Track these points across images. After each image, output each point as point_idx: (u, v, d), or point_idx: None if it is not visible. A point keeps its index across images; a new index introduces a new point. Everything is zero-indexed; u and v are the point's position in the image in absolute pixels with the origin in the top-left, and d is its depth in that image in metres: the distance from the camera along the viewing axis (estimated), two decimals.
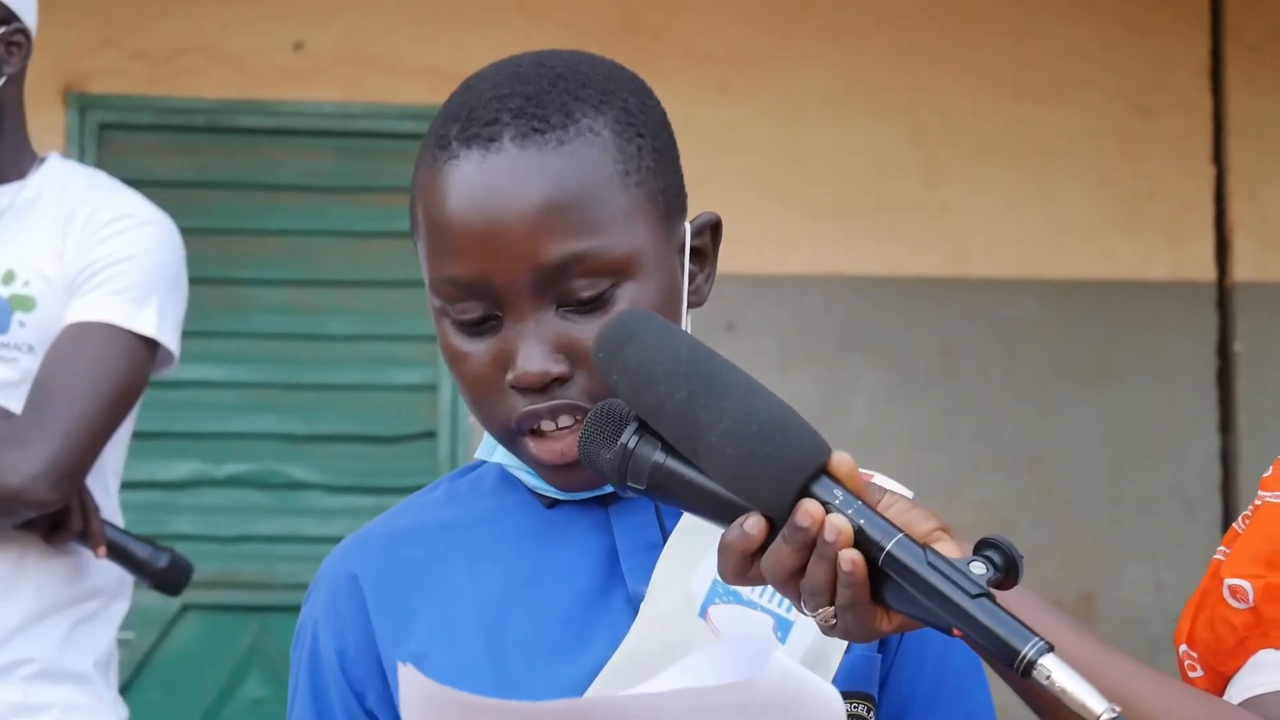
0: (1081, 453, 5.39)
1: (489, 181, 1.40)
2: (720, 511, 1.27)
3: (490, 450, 1.54)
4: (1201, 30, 5.51)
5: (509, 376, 1.41)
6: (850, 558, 1.21)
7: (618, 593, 1.45)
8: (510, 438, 1.45)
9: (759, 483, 1.23)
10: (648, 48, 5.22)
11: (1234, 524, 1.66)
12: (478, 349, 1.43)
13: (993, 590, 1.20)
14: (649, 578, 1.44)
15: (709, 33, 5.35)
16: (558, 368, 1.40)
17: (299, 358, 5.23)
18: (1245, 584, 1.58)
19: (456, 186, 1.41)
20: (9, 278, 2.78)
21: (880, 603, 1.23)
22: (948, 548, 1.23)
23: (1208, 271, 5.45)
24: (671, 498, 1.29)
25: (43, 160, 2.88)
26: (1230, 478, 5.40)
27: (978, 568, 1.20)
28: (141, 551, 2.84)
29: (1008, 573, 1.21)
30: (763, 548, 1.24)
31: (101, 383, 2.73)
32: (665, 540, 1.46)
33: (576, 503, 1.49)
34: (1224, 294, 5.46)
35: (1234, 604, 1.58)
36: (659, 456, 1.28)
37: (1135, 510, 5.38)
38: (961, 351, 5.39)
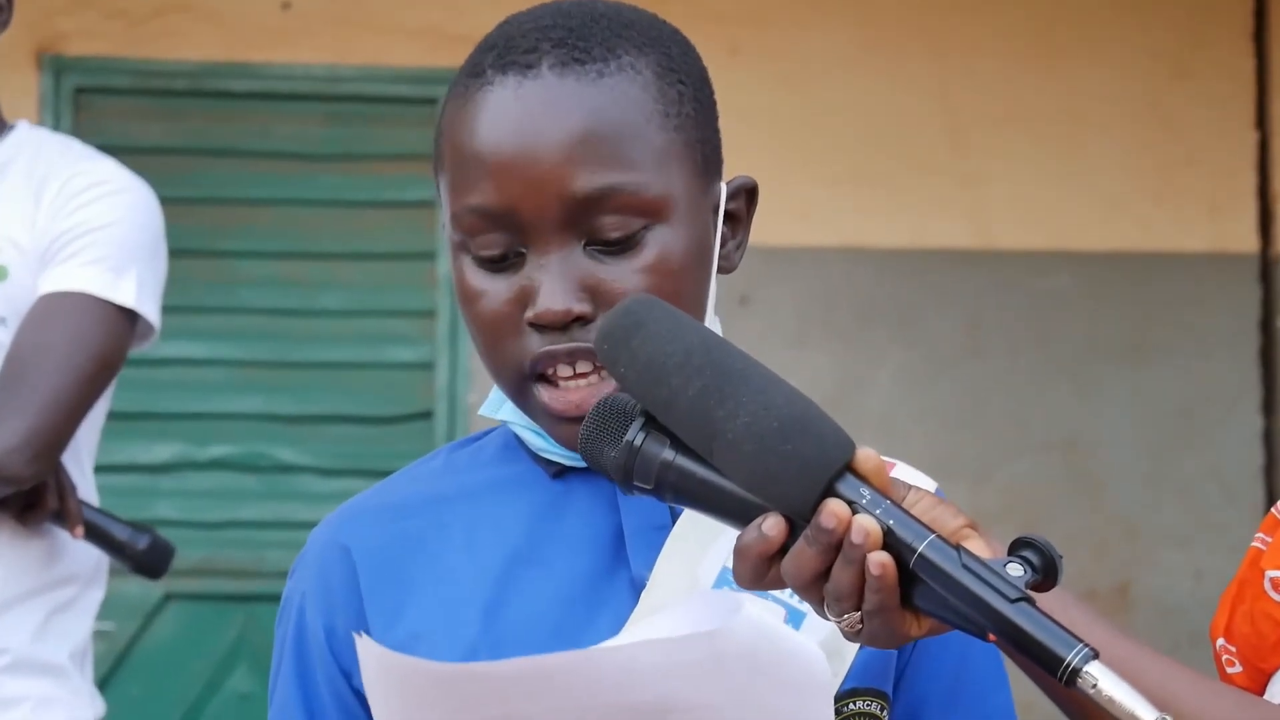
0: (1116, 435, 5.38)
1: (524, 108, 1.41)
2: (736, 512, 1.26)
3: (496, 406, 1.52)
4: None
5: (528, 314, 1.42)
6: (880, 560, 1.20)
7: (622, 575, 1.45)
8: (521, 384, 1.44)
9: (780, 481, 1.22)
10: (653, 6, 5.18)
11: (1273, 509, 1.65)
12: (497, 287, 1.43)
13: (1031, 594, 1.19)
14: (654, 560, 1.44)
15: None
16: (581, 306, 1.40)
17: (288, 334, 5.23)
18: None
19: (489, 112, 1.42)
20: None
21: (909, 607, 1.22)
22: (977, 546, 1.22)
23: (1250, 243, 5.44)
24: (682, 498, 1.28)
25: (11, 127, 2.88)
26: (1274, 461, 5.39)
27: (1015, 570, 1.20)
28: (120, 533, 2.85)
29: (1046, 574, 1.21)
30: (783, 549, 1.24)
31: (79, 355, 2.74)
32: (674, 521, 1.46)
33: (582, 474, 1.48)
34: (1267, 266, 5.44)
35: (1276, 597, 1.58)
36: (668, 454, 1.27)
37: (1173, 495, 5.38)
38: (989, 328, 5.38)
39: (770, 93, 5.31)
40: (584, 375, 1.42)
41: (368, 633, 1.44)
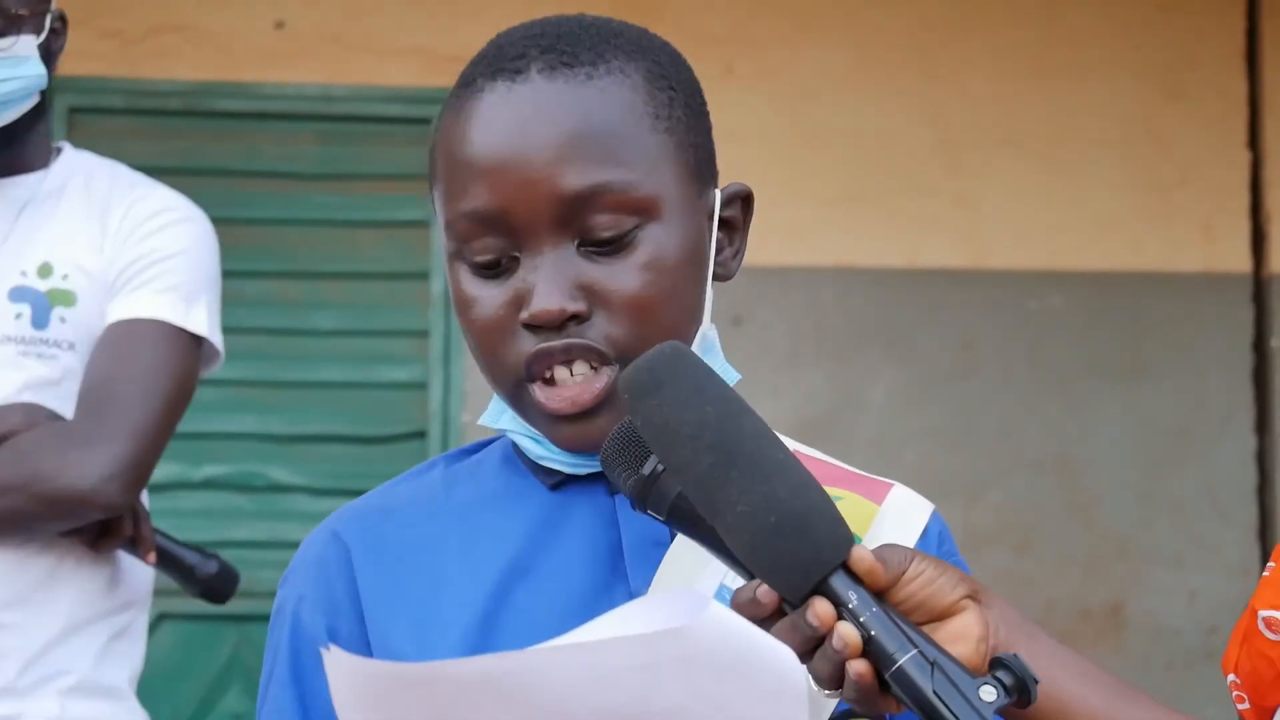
0: (1109, 454, 5.36)
1: (513, 111, 1.43)
2: (736, 562, 1.29)
3: (496, 415, 1.52)
4: (1236, 8, 5.49)
5: (523, 315, 1.42)
6: (858, 669, 1.23)
7: (620, 589, 1.45)
8: (517, 387, 1.45)
9: (771, 574, 1.25)
10: (646, 27, 5.18)
11: None
12: (491, 293, 1.44)
13: None
14: (652, 575, 1.44)
15: (712, 11, 5.32)
16: (575, 305, 1.41)
17: (281, 354, 5.21)
18: (1279, 615, 1.55)
19: (480, 117, 1.44)
20: (45, 270, 2.79)
21: (888, 693, 1.25)
22: (973, 620, 1.26)
23: (1243, 263, 5.43)
24: (690, 532, 1.31)
25: (59, 149, 2.90)
26: (1267, 480, 5.38)
27: (988, 692, 1.23)
28: (190, 558, 2.86)
29: (1019, 695, 1.24)
30: (777, 612, 1.26)
31: (163, 382, 2.76)
32: (673, 537, 1.46)
33: (582, 485, 1.49)
34: (1260, 286, 5.43)
35: (1269, 636, 1.56)
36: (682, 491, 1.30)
37: (1166, 514, 5.36)
38: (982, 347, 5.37)
39: (763, 113, 5.31)
40: (581, 374, 1.42)
41: (365, 633, 1.44)
